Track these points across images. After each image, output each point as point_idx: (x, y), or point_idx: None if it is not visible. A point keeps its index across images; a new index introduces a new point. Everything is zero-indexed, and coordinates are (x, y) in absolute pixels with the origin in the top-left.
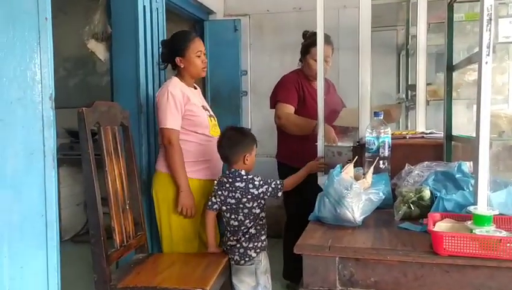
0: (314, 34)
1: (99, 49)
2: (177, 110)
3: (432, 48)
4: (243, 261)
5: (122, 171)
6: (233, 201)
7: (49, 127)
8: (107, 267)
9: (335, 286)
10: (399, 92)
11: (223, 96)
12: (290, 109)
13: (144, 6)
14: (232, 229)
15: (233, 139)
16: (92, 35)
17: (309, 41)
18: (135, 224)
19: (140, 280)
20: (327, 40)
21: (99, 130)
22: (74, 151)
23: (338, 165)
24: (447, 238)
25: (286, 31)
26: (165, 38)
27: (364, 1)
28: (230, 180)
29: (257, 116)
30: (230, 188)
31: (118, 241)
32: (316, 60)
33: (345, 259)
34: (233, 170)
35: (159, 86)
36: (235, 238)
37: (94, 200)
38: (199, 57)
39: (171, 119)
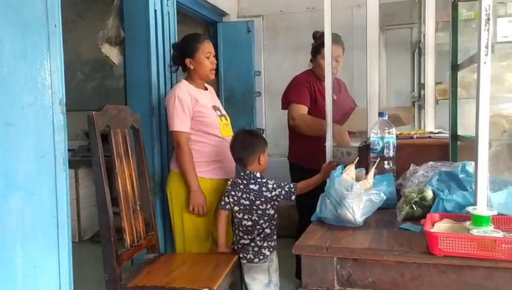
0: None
1: (113, 53)
2: (185, 112)
3: (443, 46)
4: (256, 259)
5: (133, 173)
6: (247, 202)
7: (59, 131)
8: (118, 267)
9: (333, 286)
10: (413, 90)
11: (237, 97)
12: (303, 109)
13: (155, 11)
14: (244, 229)
15: (246, 142)
16: (105, 40)
17: (319, 41)
18: (146, 224)
19: (149, 280)
20: (337, 39)
21: (109, 133)
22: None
23: (339, 166)
24: (442, 238)
25: (299, 31)
26: (177, 41)
27: (371, 1)
28: (245, 181)
29: (271, 116)
30: (245, 190)
31: (128, 241)
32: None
33: (342, 259)
34: (248, 172)
35: (171, 89)
36: (249, 237)
37: (104, 202)
38: (208, 58)
39: (178, 122)
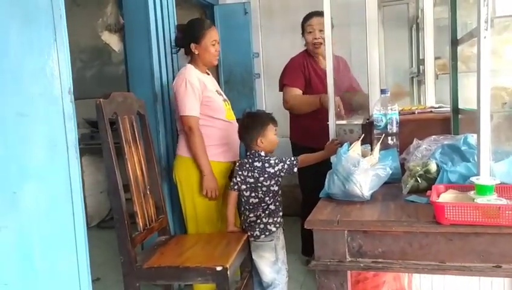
0: (309, 13)
1: (113, 41)
2: (196, 97)
3: (442, 21)
4: (263, 236)
5: (141, 158)
6: (252, 180)
7: (69, 120)
8: (132, 249)
9: (345, 257)
10: (412, 66)
11: (236, 80)
12: (296, 92)
13: None
14: (251, 207)
15: (246, 125)
16: (105, 28)
17: (303, 19)
18: (156, 208)
19: (164, 260)
20: (317, 12)
21: (117, 120)
22: (95, 140)
23: (346, 144)
24: (448, 208)
25: (295, 11)
26: (176, 26)
27: None
28: (250, 160)
29: (271, 97)
30: (250, 168)
31: (140, 224)
32: (309, 32)
33: (353, 232)
34: (253, 151)
35: (173, 74)
36: (255, 214)
37: (116, 188)
38: (214, 45)
39: (190, 107)
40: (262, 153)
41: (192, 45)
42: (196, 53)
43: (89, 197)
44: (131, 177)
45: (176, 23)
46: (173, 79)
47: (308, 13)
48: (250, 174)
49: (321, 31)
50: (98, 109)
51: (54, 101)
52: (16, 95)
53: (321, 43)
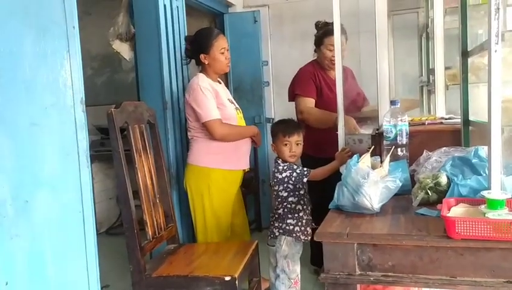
0: (326, 24)
1: (124, 49)
2: (213, 101)
3: (451, 31)
4: (270, 237)
5: (151, 167)
6: (271, 183)
7: (81, 129)
8: (142, 258)
9: (354, 270)
10: (421, 75)
11: (245, 88)
12: (310, 102)
13: (165, 5)
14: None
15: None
16: (116, 36)
17: (321, 32)
18: (166, 216)
19: (173, 269)
20: (331, 31)
21: (127, 129)
22: (105, 147)
23: (355, 155)
24: (459, 222)
25: (305, 20)
26: (186, 35)
27: None
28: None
29: (279, 106)
30: (271, 172)
31: (150, 233)
32: (329, 50)
33: (363, 245)
34: (277, 157)
35: (183, 83)
36: (270, 215)
37: (126, 196)
38: (223, 53)
39: (211, 111)
40: (279, 160)
41: (202, 56)
42: (206, 63)
43: (98, 203)
44: (141, 186)
45: (186, 32)
46: (183, 88)
47: (329, 28)
48: (271, 177)
49: (342, 50)
50: (110, 118)
51: (66, 111)
52: (29, 105)
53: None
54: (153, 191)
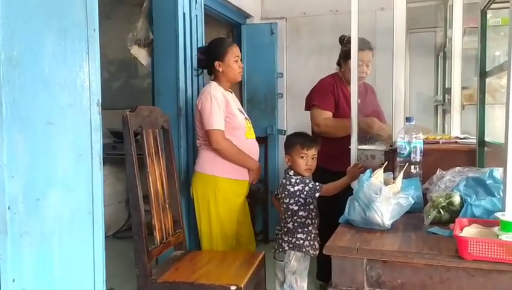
0: (362, 44)
1: (141, 55)
2: (220, 111)
3: (469, 51)
4: (278, 251)
5: (163, 172)
6: (279, 196)
7: (96, 131)
8: (148, 263)
9: (363, 286)
10: (437, 94)
11: (259, 99)
12: (327, 115)
13: (184, 14)
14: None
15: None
16: (134, 42)
17: (350, 46)
18: (174, 222)
19: (178, 276)
20: (368, 45)
21: (141, 134)
22: (117, 150)
23: (368, 170)
24: (472, 243)
25: (322, 34)
26: (204, 44)
27: (399, 5)
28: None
29: (293, 118)
30: (280, 184)
31: (158, 238)
32: (359, 64)
33: (372, 261)
34: (286, 168)
35: (198, 90)
36: (278, 228)
37: (137, 200)
38: (236, 62)
39: (216, 121)
40: (291, 172)
41: (216, 63)
42: (220, 70)
43: (107, 206)
44: (152, 190)
45: (204, 41)
46: (198, 95)
47: (360, 43)
48: (280, 190)
49: (368, 66)
50: (124, 122)
51: (83, 112)
52: (46, 104)
53: (364, 77)
54: (163, 196)
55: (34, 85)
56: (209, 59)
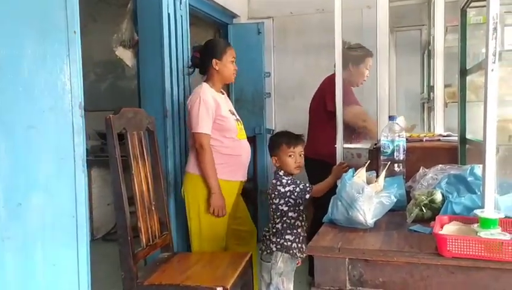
0: (360, 46)
1: (126, 56)
2: (208, 115)
3: (453, 49)
4: (265, 253)
5: (148, 174)
6: (268, 196)
7: (78, 134)
8: (134, 266)
9: (345, 285)
10: (423, 92)
11: (246, 98)
12: (363, 110)
13: (169, 14)
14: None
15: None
16: (119, 43)
17: (361, 51)
18: (160, 224)
19: (165, 278)
20: (371, 53)
21: (126, 136)
22: (105, 153)
23: (351, 169)
24: (450, 240)
25: (309, 33)
26: (189, 44)
27: (382, 3)
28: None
29: (280, 117)
30: (270, 184)
31: (144, 240)
32: (367, 69)
33: (354, 260)
34: (275, 168)
35: (184, 91)
36: (266, 229)
37: (121, 203)
38: (232, 62)
39: (202, 124)
40: (281, 172)
41: (214, 61)
42: (216, 69)
43: (96, 209)
44: (137, 193)
45: (189, 41)
46: (184, 96)
47: (367, 49)
48: (269, 191)
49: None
50: (107, 124)
51: (64, 115)
52: (27, 107)
53: (365, 80)
54: (148, 198)
55: (15, 89)
56: (206, 57)
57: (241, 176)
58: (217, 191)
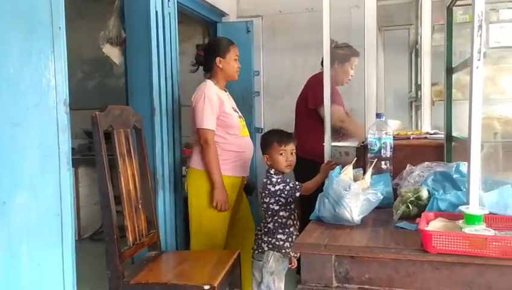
0: (347, 45)
1: (114, 53)
2: (213, 111)
3: (440, 48)
4: (256, 252)
5: (135, 172)
6: (260, 195)
7: (63, 131)
8: (120, 264)
9: (331, 282)
10: (411, 91)
11: (235, 97)
12: (342, 110)
13: (156, 12)
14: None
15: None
16: (107, 40)
17: (348, 50)
18: (148, 222)
19: (151, 277)
20: (357, 53)
21: (112, 133)
22: (92, 152)
23: (337, 167)
24: (435, 236)
25: (298, 32)
26: (178, 42)
27: (369, 3)
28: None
29: (270, 116)
30: (262, 183)
31: (130, 239)
32: (352, 68)
33: (340, 257)
34: (267, 167)
35: (172, 89)
36: (258, 228)
37: (108, 201)
38: (236, 60)
39: (207, 120)
40: (272, 171)
41: (218, 59)
42: (220, 67)
43: (83, 208)
44: (124, 191)
45: (177, 39)
46: (173, 94)
47: (354, 48)
48: (261, 190)
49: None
50: (93, 121)
51: (49, 112)
52: (11, 104)
53: (350, 80)
54: (135, 196)
55: None
56: (210, 55)
57: (244, 172)
58: (220, 185)
